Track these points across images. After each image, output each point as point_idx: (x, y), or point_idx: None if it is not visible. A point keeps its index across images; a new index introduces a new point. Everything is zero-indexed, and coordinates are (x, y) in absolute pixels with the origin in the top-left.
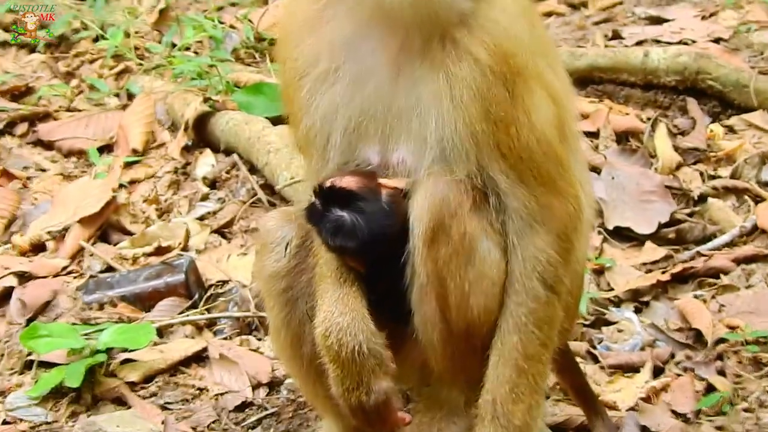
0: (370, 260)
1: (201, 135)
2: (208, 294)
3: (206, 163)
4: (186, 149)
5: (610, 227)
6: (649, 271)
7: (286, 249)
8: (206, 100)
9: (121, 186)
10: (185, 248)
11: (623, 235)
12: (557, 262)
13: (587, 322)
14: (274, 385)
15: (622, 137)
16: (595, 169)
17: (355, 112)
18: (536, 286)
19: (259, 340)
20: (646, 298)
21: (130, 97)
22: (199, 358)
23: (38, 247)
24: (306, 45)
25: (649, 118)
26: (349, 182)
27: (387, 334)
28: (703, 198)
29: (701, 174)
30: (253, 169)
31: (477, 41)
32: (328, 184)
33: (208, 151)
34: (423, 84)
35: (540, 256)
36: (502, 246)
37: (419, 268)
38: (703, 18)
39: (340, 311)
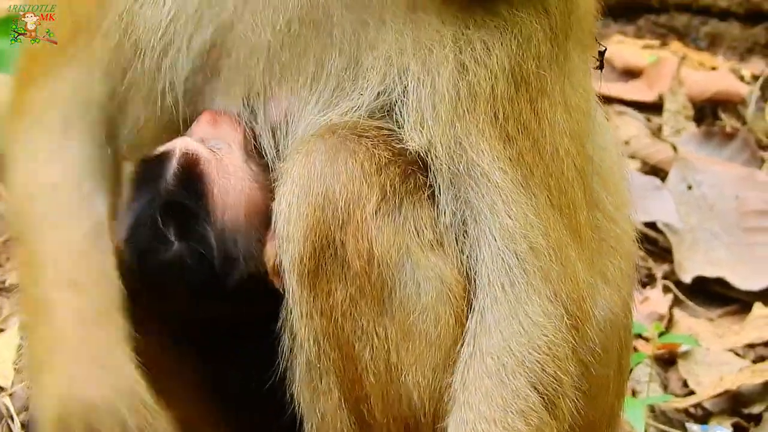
0: (214, 319)
1: None
2: None
3: None
4: None
5: (687, 279)
6: (762, 358)
7: None
8: None
9: None
10: None
11: (711, 294)
12: (563, 353)
13: None
14: None
15: (706, 111)
16: (658, 172)
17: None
18: (525, 390)
19: None
20: (756, 409)
21: None
22: None
23: None
24: None
25: (756, 77)
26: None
27: None
28: None
29: None
30: None
31: None
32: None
33: None
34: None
35: (536, 333)
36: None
37: (301, 332)
38: None
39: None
